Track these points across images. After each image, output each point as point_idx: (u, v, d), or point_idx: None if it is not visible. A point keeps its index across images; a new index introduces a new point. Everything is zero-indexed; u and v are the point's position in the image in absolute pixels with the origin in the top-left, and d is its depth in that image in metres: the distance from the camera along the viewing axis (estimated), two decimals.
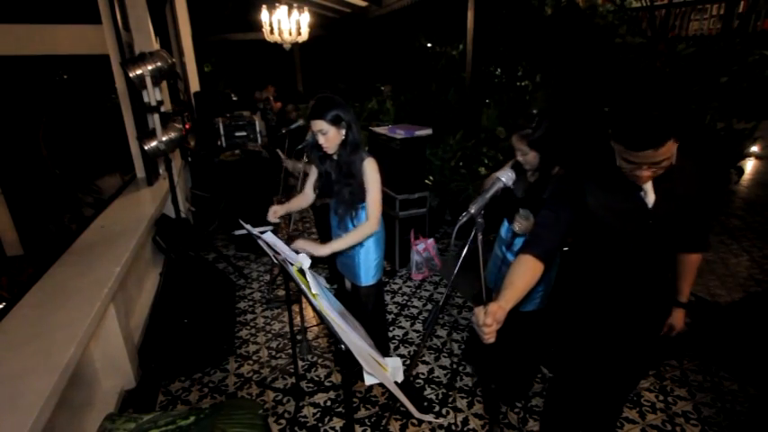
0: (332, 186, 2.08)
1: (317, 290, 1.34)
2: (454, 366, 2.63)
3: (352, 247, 2.14)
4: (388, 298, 3.44)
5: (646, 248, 1.36)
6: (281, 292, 3.51)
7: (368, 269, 2.17)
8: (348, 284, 2.41)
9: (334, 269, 2.53)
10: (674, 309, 1.58)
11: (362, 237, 2.00)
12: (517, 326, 2.04)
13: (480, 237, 1.19)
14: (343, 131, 1.92)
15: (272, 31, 5.94)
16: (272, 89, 7.15)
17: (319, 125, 1.88)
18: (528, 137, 1.79)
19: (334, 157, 2.02)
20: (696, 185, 1.30)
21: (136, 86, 2.91)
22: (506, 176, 1.23)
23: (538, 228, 1.36)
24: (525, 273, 1.26)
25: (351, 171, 1.96)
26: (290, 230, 2.71)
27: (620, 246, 1.37)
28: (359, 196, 2.00)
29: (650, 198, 1.30)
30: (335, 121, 1.89)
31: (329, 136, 1.90)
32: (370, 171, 1.94)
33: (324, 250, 1.87)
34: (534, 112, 1.82)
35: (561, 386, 1.73)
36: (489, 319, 1.12)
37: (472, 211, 1.17)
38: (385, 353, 2.39)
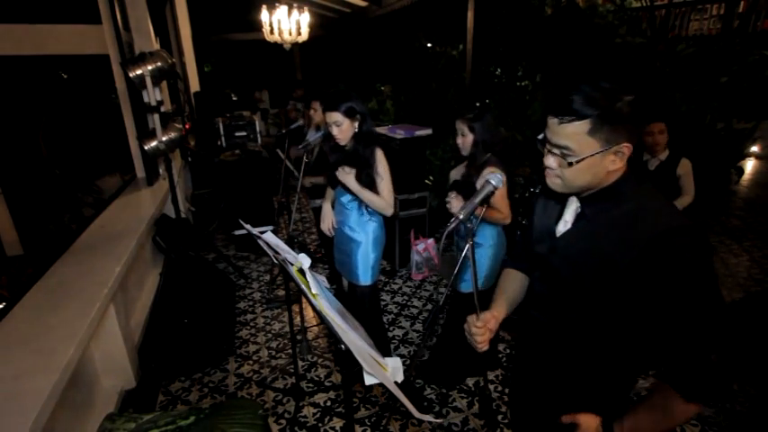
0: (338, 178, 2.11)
1: (316, 290, 1.33)
2: None
3: (350, 245, 2.17)
4: (387, 298, 3.44)
5: (553, 291, 1.06)
6: (281, 292, 3.51)
7: (366, 268, 2.19)
8: (345, 284, 2.42)
9: (333, 269, 2.54)
10: (585, 415, 0.99)
11: (374, 205, 2.07)
12: (459, 307, 2.29)
13: (471, 242, 1.17)
14: (357, 124, 1.98)
15: (272, 31, 5.93)
16: (301, 92, 7.14)
17: (334, 117, 1.94)
18: (470, 120, 2.05)
19: (346, 148, 2.06)
20: (631, 244, 0.87)
21: (136, 86, 2.91)
22: (496, 179, 1.16)
23: (517, 241, 1.33)
24: (513, 282, 1.24)
25: (368, 161, 2.01)
26: (290, 230, 2.70)
27: (535, 276, 1.15)
28: (372, 186, 2.05)
29: (563, 225, 1.03)
30: (350, 114, 1.95)
31: (343, 128, 1.96)
32: (381, 160, 2.03)
33: (351, 179, 2.01)
34: (477, 104, 2.08)
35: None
36: (479, 324, 1.10)
37: (461, 216, 1.13)
38: (386, 353, 2.39)
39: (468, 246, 1.18)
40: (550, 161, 0.94)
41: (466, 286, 2.23)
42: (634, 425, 0.94)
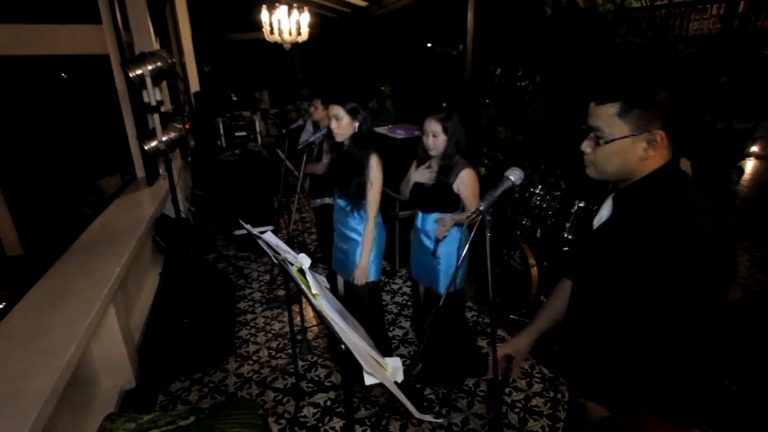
0: (337, 178, 2.11)
1: (316, 290, 1.34)
2: None
3: (349, 244, 2.17)
4: (387, 298, 3.43)
5: (585, 282, 1.12)
6: (281, 292, 3.51)
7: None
8: (341, 286, 2.41)
9: (331, 269, 2.53)
10: (596, 405, 1.03)
11: (372, 237, 2.11)
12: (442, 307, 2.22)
13: (488, 234, 1.19)
14: (357, 124, 1.99)
15: (272, 31, 5.93)
16: (306, 91, 7.14)
17: (336, 110, 1.96)
18: (444, 120, 1.99)
19: (344, 147, 2.06)
20: (650, 238, 0.88)
21: (136, 86, 2.91)
22: (515, 175, 1.21)
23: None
24: (558, 295, 1.28)
25: (361, 164, 2.01)
26: (290, 230, 2.70)
27: (580, 273, 1.18)
28: (365, 190, 2.04)
29: (597, 220, 1.09)
30: (352, 112, 1.96)
31: (342, 123, 1.97)
32: (375, 167, 2.01)
33: (364, 270, 2.12)
34: (444, 105, 2.02)
35: None
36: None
37: (481, 208, 1.17)
38: (386, 353, 2.39)
39: (479, 236, 1.20)
40: (584, 144, 1.00)
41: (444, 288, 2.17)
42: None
